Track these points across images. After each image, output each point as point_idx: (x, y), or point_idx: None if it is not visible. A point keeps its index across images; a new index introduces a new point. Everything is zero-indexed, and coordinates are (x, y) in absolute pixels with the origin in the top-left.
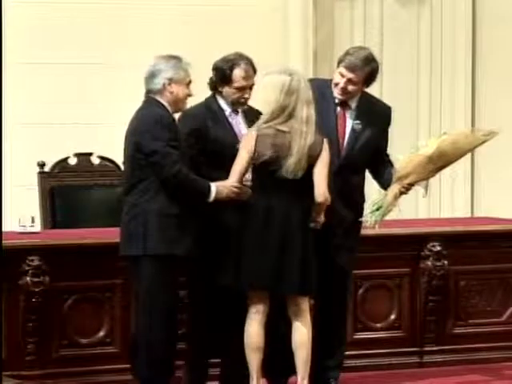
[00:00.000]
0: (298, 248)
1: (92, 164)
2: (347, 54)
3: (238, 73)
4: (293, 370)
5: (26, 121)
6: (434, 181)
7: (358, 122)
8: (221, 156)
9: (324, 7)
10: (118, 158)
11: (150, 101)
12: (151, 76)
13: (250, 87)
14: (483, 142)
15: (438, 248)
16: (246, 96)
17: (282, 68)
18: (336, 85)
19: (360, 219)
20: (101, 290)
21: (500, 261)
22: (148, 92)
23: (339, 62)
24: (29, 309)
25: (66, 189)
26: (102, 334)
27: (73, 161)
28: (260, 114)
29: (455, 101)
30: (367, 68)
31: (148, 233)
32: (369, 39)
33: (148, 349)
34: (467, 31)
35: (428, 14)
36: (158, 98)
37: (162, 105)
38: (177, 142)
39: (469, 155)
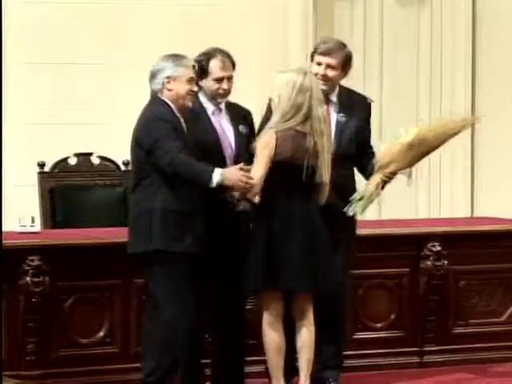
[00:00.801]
0: (320, 248)
1: (92, 164)
2: (319, 43)
3: (214, 63)
4: (295, 372)
5: (26, 121)
6: (433, 181)
7: (341, 114)
8: (202, 155)
9: (324, 7)
10: (118, 157)
11: (154, 99)
12: (152, 76)
13: (229, 78)
14: (463, 129)
15: (438, 248)
16: (225, 87)
17: (295, 67)
18: (316, 75)
19: (343, 210)
20: (101, 290)
21: (500, 261)
22: (152, 92)
23: (313, 53)
24: (29, 309)
25: (66, 189)
26: (101, 334)
27: (73, 161)
28: (248, 112)
29: (455, 101)
30: (342, 52)
31: (151, 230)
32: (369, 39)
33: (155, 346)
34: (467, 31)
35: (428, 14)
36: (161, 96)
37: (166, 103)
38: (176, 134)
39: (469, 155)
